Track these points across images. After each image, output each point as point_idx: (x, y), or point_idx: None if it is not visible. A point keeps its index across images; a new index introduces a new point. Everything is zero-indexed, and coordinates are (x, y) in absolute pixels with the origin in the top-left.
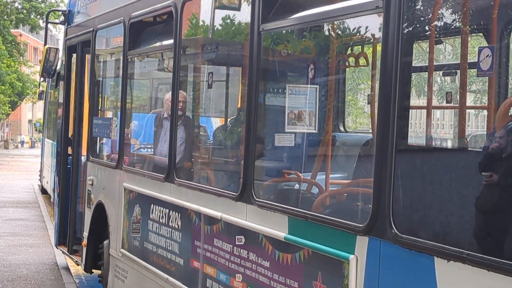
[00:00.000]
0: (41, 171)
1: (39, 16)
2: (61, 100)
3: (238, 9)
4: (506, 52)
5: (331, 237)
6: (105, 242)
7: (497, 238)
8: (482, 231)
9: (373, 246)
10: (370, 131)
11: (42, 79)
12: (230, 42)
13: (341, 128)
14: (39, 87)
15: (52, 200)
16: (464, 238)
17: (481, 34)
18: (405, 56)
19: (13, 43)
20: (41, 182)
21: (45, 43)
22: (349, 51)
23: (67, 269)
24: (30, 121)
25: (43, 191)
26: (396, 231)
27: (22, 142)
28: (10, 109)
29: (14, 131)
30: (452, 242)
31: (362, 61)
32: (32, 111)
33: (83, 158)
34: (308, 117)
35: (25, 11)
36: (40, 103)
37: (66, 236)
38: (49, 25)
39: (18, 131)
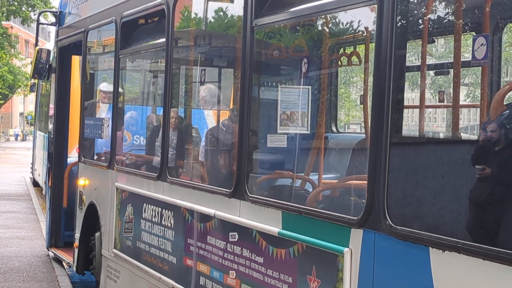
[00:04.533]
0: (32, 163)
1: (30, 9)
2: (52, 99)
3: (230, 6)
4: (499, 46)
5: (325, 230)
6: (97, 234)
7: (492, 227)
8: (477, 221)
9: (367, 238)
10: (363, 131)
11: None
12: (223, 39)
13: (334, 129)
14: (30, 80)
15: (43, 192)
16: (459, 228)
17: (473, 32)
18: (399, 50)
19: (4, 35)
20: (32, 174)
21: (36, 44)
22: (341, 50)
23: (59, 261)
24: (21, 114)
25: (35, 183)
26: (390, 222)
27: (16, 135)
28: (2, 100)
29: (6, 124)
30: (447, 232)
31: (354, 59)
32: (23, 104)
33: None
34: (300, 117)
35: (16, 3)
36: (32, 96)
37: (58, 238)
38: (41, 18)
39: (10, 124)
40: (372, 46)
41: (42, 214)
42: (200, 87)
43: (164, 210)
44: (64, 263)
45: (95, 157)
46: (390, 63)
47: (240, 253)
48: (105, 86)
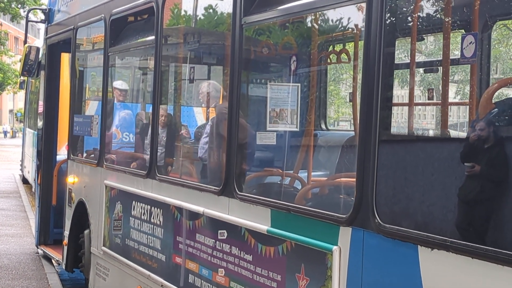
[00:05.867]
0: (22, 160)
1: (20, 6)
2: (42, 96)
3: (219, 3)
4: (488, 44)
5: (314, 228)
6: (86, 231)
7: (480, 225)
8: (465, 219)
9: (356, 237)
10: (352, 129)
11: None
12: (212, 37)
13: (323, 126)
14: (20, 77)
15: (33, 190)
16: (448, 226)
17: (462, 30)
18: (388, 47)
19: None
20: (22, 172)
21: (25, 41)
22: (331, 47)
23: (48, 259)
24: (11, 111)
25: (24, 180)
26: (379, 220)
27: (5, 132)
28: None
29: None
30: (436, 230)
31: (344, 57)
32: (13, 101)
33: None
34: (289, 115)
35: (5, 0)
36: (21, 93)
37: (47, 236)
38: (31, 15)
39: None
40: (361, 43)
41: (32, 212)
42: (201, 83)
43: (153, 208)
44: (53, 261)
45: (84, 154)
46: (379, 61)
47: (229, 251)
48: (120, 84)
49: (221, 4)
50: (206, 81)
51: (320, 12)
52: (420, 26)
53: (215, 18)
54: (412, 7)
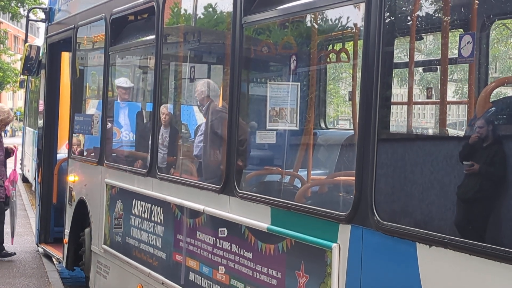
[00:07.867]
0: (22, 159)
1: (19, 4)
2: (42, 95)
3: (220, 3)
4: (486, 43)
5: (313, 226)
6: (86, 230)
7: (478, 223)
8: (464, 216)
9: (355, 234)
10: (351, 127)
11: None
12: (212, 36)
13: (322, 125)
14: (20, 76)
15: (33, 188)
16: (446, 224)
17: (461, 29)
18: (387, 46)
19: None
20: (22, 170)
21: (26, 41)
22: (330, 47)
23: (49, 257)
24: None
25: (24, 179)
26: (378, 218)
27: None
28: None
29: None
30: (434, 228)
31: (343, 56)
32: (12, 99)
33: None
34: (289, 114)
35: None
36: (21, 92)
37: (48, 234)
38: (31, 14)
39: None
40: (360, 42)
41: (32, 210)
42: (197, 82)
43: (153, 206)
44: (54, 259)
45: (85, 153)
46: (378, 60)
47: (229, 249)
48: (124, 81)
49: (221, 3)
50: (202, 80)
51: (319, 12)
52: (419, 26)
53: (215, 17)
54: (411, 6)
